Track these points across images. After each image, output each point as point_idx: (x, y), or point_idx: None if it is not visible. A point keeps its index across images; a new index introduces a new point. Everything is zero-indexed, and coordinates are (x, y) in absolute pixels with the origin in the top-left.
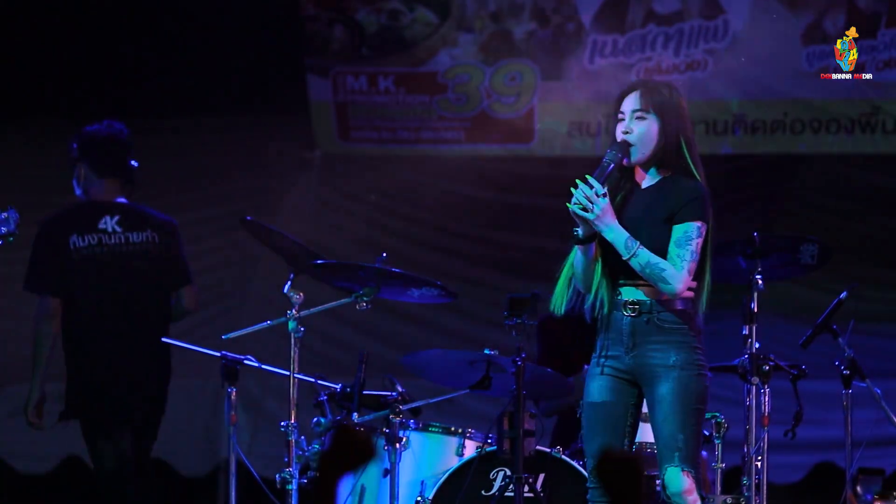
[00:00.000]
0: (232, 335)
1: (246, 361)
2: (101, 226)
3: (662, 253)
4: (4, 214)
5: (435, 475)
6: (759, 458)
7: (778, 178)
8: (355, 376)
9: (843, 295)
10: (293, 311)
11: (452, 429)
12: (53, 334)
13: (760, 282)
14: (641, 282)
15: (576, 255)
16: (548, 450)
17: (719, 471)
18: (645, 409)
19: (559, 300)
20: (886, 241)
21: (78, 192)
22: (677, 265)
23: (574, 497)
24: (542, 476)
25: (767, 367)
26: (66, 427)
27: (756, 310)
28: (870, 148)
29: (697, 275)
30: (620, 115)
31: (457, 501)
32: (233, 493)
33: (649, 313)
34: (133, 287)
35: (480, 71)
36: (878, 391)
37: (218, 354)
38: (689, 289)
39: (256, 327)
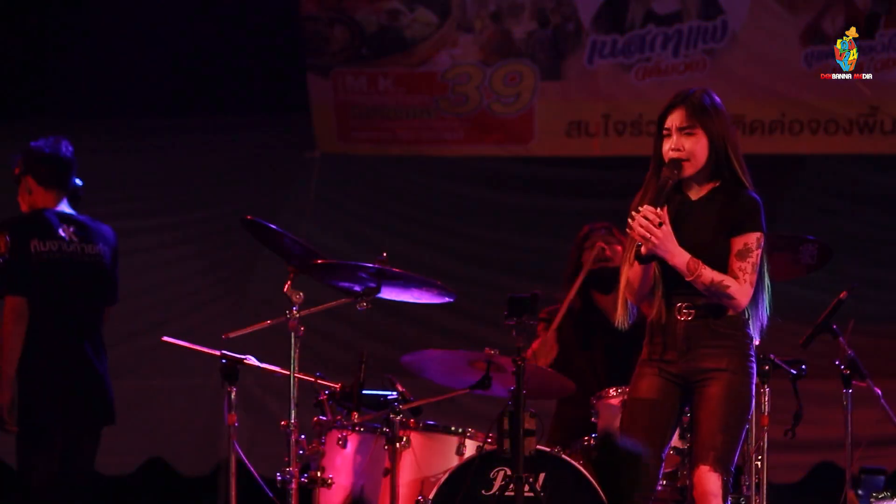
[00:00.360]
0: (232, 335)
1: (246, 361)
2: (61, 233)
3: (722, 265)
4: None
5: (435, 475)
6: (759, 457)
7: (777, 178)
8: (355, 376)
9: (843, 295)
10: (293, 310)
11: (452, 429)
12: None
13: None
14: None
15: (632, 270)
16: (547, 449)
17: None
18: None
19: (624, 316)
20: (886, 241)
21: (24, 208)
22: (740, 280)
23: (574, 497)
24: (542, 476)
25: (767, 367)
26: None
27: None
28: (868, 148)
29: (755, 283)
30: (666, 132)
31: (457, 501)
32: (233, 493)
33: (704, 318)
34: (86, 297)
35: (480, 71)
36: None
37: (218, 354)
38: None
39: (256, 327)
